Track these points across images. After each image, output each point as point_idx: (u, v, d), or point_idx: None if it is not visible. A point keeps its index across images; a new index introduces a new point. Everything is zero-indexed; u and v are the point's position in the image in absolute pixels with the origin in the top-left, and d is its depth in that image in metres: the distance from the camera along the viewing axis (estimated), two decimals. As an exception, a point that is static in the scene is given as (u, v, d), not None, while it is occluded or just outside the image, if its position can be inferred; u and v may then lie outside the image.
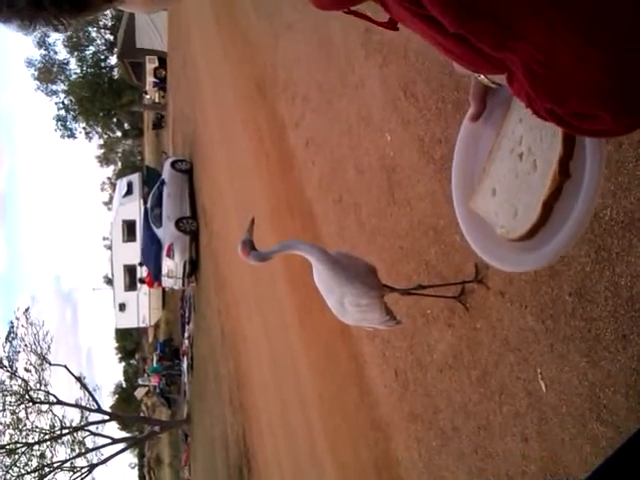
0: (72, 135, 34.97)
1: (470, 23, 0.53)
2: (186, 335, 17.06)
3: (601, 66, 0.52)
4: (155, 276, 14.98)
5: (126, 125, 41.93)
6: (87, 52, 34.06)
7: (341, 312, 2.30)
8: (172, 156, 17.48)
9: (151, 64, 23.92)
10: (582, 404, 2.18)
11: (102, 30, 35.01)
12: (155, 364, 21.22)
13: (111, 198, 40.66)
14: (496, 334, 2.67)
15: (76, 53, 33.93)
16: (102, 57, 34.08)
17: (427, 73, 3.21)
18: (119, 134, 44.11)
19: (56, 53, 34.44)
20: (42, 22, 0.61)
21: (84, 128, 35.43)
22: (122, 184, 22.02)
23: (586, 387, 2.15)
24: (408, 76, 3.40)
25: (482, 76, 0.80)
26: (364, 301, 2.22)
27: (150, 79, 24.42)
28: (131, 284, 23.42)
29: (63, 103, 33.00)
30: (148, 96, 26.01)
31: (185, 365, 17.56)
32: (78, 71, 33.20)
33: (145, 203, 15.24)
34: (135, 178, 21.62)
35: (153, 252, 14.15)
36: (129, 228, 20.81)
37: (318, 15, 4.97)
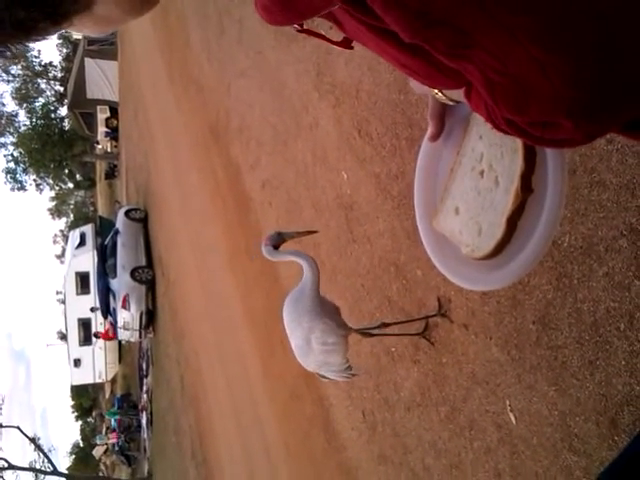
0: (22, 188, 34.23)
1: (425, 31, 0.51)
2: (144, 389, 16.54)
3: (562, 73, 0.51)
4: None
5: (78, 176, 41.34)
6: (37, 104, 33.69)
7: (304, 352, 2.24)
8: (126, 205, 17.26)
9: (102, 114, 23.82)
10: (553, 434, 2.15)
11: (52, 82, 34.77)
12: (112, 409, 20.54)
13: (64, 251, 39.78)
14: (462, 368, 2.64)
15: (25, 105, 33.52)
16: (52, 108, 33.70)
17: (380, 112, 3.25)
18: (71, 185, 43.45)
19: (4, 105, 34.06)
20: None
21: (35, 180, 34.78)
22: (75, 235, 21.57)
23: (556, 416, 2.13)
24: (361, 115, 3.43)
25: (440, 93, 0.78)
26: (331, 339, 2.17)
27: (102, 129, 24.28)
28: (86, 338, 22.74)
29: (12, 155, 32.41)
30: (100, 146, 25.80)
31: (144, 420, 16.97)
32: (28, 123, 32.76)
33: (99, 254, 14.93)
34: (88, 229, 21.23)
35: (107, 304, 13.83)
36: (82, 280, 20.30)
37: (270, 61, 5.03)
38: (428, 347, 2.90)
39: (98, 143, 25.89)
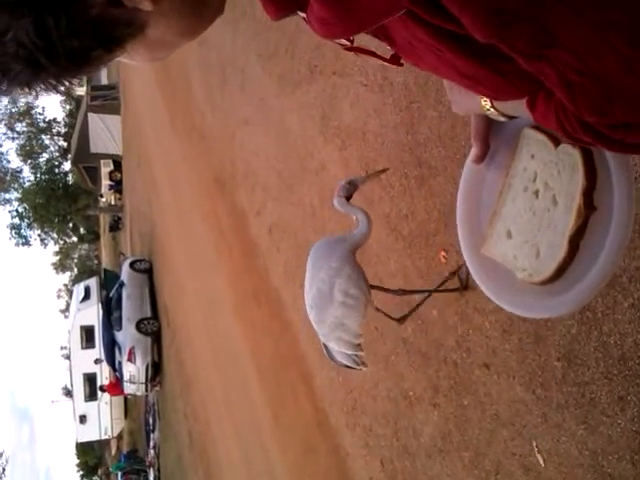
0: (27, 243, 34.43)
1: (504, 30, 0.49)
2: (151, 444, 16.18)
3: None
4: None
5: (82, 230, 41.58)
6: (41, 159, 34.17)
7: (324, 302, 2.11)
8: (130, 257, 17.26)
9: (106, 167, 24.08)
10: (585, 475, 2.06)
11: (55, 137, 35.33)
12: (118, 463, 20.02)
13: (68, 305, 39.65)
14: (485, 409, 2.56)
15: (29, 161, 34.00)
16: (56, 164, 34.17)
17: (387, 152, 3.25)
18: (75, 239, 43.64)
19: (9, 162, 34.50)
20: (41, 84, 0.56)
21: (39, 235, 34.99)
22: (79, 289, 21.50)
23: (587, 456, 2.05)
24: (369, 157, 3.44)
25: (492, 109, 0.75)
26: (353, 291, 2.08)
27: (105, 182, 24.51)
28: (91, 393, 22.40)
29: (17, 211, 32.70)
30: (104, 199, 26.00)
31: (152, 477, 16.56)
32: (32, 178, 33.17)
33: (104, 307, 14.87)
34: (92, 282, 21.17)
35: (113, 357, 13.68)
36: (87, 334, 20.12)
37: (274, 107, 5.08)
38: (448, 389, 2.82)
39: (102, 196, 26.09)
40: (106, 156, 23.32)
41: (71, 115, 35.00)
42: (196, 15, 0.61)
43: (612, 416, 1.95)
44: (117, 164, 23.70)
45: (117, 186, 24.22)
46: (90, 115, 21.61)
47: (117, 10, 0.55)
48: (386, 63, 0.73)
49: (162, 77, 11.73)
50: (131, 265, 14.60)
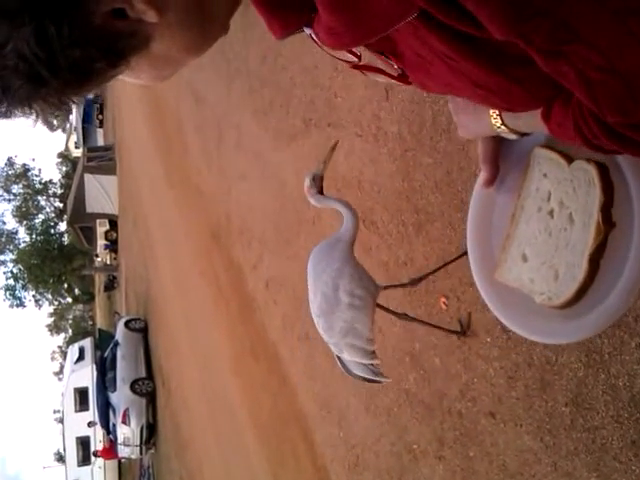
0: (21, 304, 34.18)
1: (522, 25, 0.47)
2: (146, 510, 15.64)
3: None
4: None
5: (77, 290, 41.35)
6: (36, 220, 34.32)
7: (331, 305, 2.02)
8: (125, 316, 17.12)
9: (102, 227, 24.15)
10: (600, 527, 1.98)
11: (51, 198, 35.58)
12: None
13: (62, 367, 39.04)
14: (492, 460, 2.48)
15: (25, 222, 34.12)
16: (52, 224, 34.30)
17: (384, 200, 3.26)
18: (70, 300, 43.34)
19: (4, 224, 34.64)
20: (41, 102, 0.54)
21: (34, 296, 34.77)
22: (73, 350, 21.23)
23: (602, 506, 1.97)
24: (365, 205, 3.44)
25: (503, 126, 0.73)
26: (358, 291, 1.99)
27: (101, 242, 24.54)
28: (84, 458, 21.80)
29: (12, 272, 32.60)
30: (99, 259, 25.99)
31: None
32: (27, 239, 33.22)
33: (98, 368, 14.65)
34: (87, 343, 20.94)
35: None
36: (81, 396, 19.74)
37: (270, 161, 5.13)
38: (453, 441, 2.74)
39: (97, 256, 26.09)
40: (102, 216, 23.43)
41: (67, 176, 35.37)
42: (201, 30, 0.60)
43: (625, 462, 1.88)
44: (113, 223, 23.79)
45: (113, 245, 24.24)
46: (86, 176, 21.83)
47: (121, 22, 0.53)
48: (393, 81, 0.71)
49: (158, 136, 11.91)
50: (126, 324, 14.48)
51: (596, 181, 0.71)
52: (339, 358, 2.10)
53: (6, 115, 0.55)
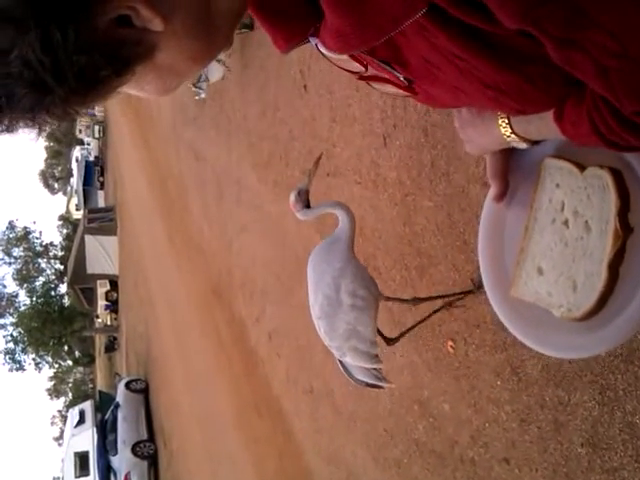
0: (21, 368, 33.72)
1: (536, 10, 0.46)
2: None
3: None
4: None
5: (77, 353, 40.89)
6: (37, 283, 34.24)
7: (333, 308, 1.93)
8: (126, 377, 16.88)
9: (102, 288, 24.10)
10: None
11: (52, 260, 35.63)
12: None
13: (62, 432, 38.19)
14: (509, 508, 2.39)
15: (26, 285, 34.05)
16: (52, 286, 34.23)
17: (385, 245, 3.26)
18: (70, 363, 42.80)
19: (5, 287, 34.57)
20: (46, 112, 0.53)
21: (34, 359, 34.36)
22: (74, 413, 20.76)
23: None
24: (367, 252, 3.43)
25: (513, 135, 0.71)
26: (360, 291, 1.90)
27: (101, 302, 24.45)
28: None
29: (12, 335, 32.30)
30: (100, 320, 25.83)
31: None
32: (27, 302, 33.06)
33: (98, 430, 14.35)
34: (87, 406, 20.52)
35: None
36: (82, 461, 19.20)
37: (271, 213, 5.15)
38: (466, 489, 2.64)
39: (98, 317, 25.94)
40: (102, 276, 23.42)
41: (68, 238, 35.54)
42: (207, 39, 0.59)
43: (648, 504, 1.81)
44: (113, 284, 23.74)
45: (113, 306, 24.13)
46: (87, 237, 21.92)
47: (126, 30, 0.53)
48: (401, 91, 0.70)
49: (159, 196, 12.02)
50: (127, 385, 14.30)
51: (610, 186, 0.70)
52: (341, 362, 2.03)
53: (9, 129, 0.53)
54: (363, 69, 0.68)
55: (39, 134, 0.56)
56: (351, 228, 1.97)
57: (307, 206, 1.98)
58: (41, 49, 0.48)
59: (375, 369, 1.99)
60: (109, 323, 25.44)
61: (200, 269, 8.11)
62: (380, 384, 1.90)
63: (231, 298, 6.51)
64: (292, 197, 1.94)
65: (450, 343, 2.75)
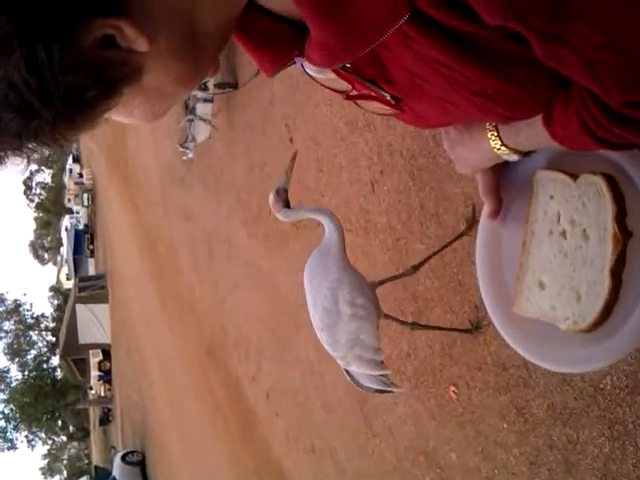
0: (13, 446, 32.77)
1: (519, 3, 0.45)
2: None
3: None
4: None
5: (71, 427, 39.85)
6: (28, 356, 33.68)
7: (333, 319, 1.82)
8: (122, 449, 16.43)
9: (95, 358, 23.75)
10: None
11: (43, 332, 35.16)
12: None
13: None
14: None
15: (17, 359, 33.48)
16: (44, 359, 33.67)
17: (380, 292, 3.21)
18: (64, 438, 41.63)
19: (-5, 363, 33.96)
20: (33, 137, 0.52)
21: (26, 436, 33.44)
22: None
23: None
24: (362, 300, 3.39)
25: (503, 147, 0.70)
26: (360, 300, 1.81)
27: (95, 373, 24.03)
28: None
29: (3, 413, 31.54)
30: (93, 391, 25.34)
31: None
32: (19, 377, 32.44)
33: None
34: (82, 483, 19.96)
35: None
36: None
37: (262, 268, 5.12)
38: (480, 542, 2.52)
39: (91, 388, 25.45)
40: (95, 346, 23.11)
41: (59, 309, 35.18)
42: (193, 61, 0.58)
43: None
44: (106, 353, 23.40)
45: (106, 376, 23.71)
46: (78, 306, 21.74)
47: (112, 51, 0.52)
48: (388, 107, 0.70)
49: (149, 259, 11.99)
50: (122, 458, 13.94)
51: (605, 192, 0.69)
52: (347, 372, 1.94)
53: None
54: (349, 87, 0.67)
55: (27, 164, 0.54)
56: (339, 235, 1.92)
57: (287, 206, 1.94)
58: (26, 69, 0.47)
59: (382, 375, 1.92)
60: (103, 394, 24.93)
61: (193, 330, 8.00)
62: (389, 389, 1.83)
63: (226, 357, 6.40)
64: (271, 197, 1.90)
65: (452, 388, 2.68)
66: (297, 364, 4.38)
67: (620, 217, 0.68)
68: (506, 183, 0.80)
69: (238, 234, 5.79)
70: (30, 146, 0.53)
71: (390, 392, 1.82)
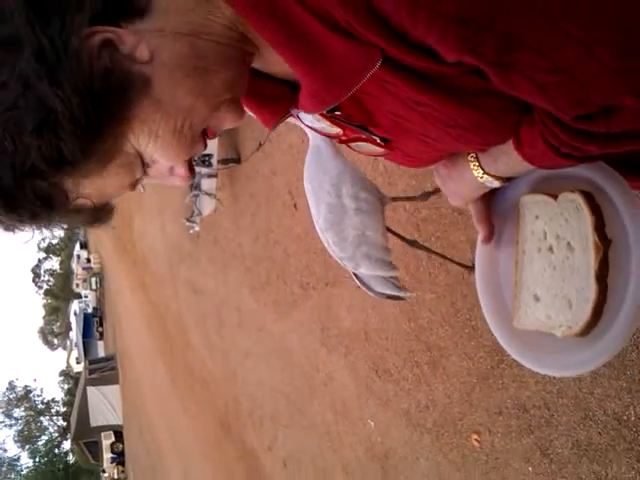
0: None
1: (471, 38, 0.51)
2: None
3: (608, 48, 0.50)
4: None
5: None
6: (39, 442, 32.91)
7: (338, 215, 1.74)
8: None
9: (107, 440, 23.25)
10: None
11: (54, 417, 34.52)
12: None
13: None
14: None
15: (28, 446, 32.71)
16: (55, 444, 32.90)
17: (393, 345, 3.21)
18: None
19: (5, 451, 33.16)
20: (64, 149, 0.56)
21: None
22: None
23: None
24: (375, 355, 3.38)
25: (486, 176, 0.77)
26: (363, 194, 1.74)
27: (107, 455, 23.48)
28: None
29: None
30: (106, 474, 24.67)
31: None
32: (30, 464, 31.60)
33: None
34: None
35: None
36: None
37: (274, 333, 5.11)
38: None
39: (104, 471, 24.78)
40: (107, 428, 22.66)
41: (70, 393, 34.69)
42: (199, 76, 0.61)
43: None
44: (118, 434, 22.92)
45: (119, 458, 23.14)
46: (89, 389, 21.49)
47: (114, 56, 0.56)
48: (379, 149, 0.77)
49: (158, 337, 11.92)
50: None
51: (583, 206, 0.76)
52: (356, 275, 1.89)
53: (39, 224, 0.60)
54: (341, 131, 0.75)
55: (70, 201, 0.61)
56: (324, 139, 1.93)
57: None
58: (35, 60, 0.53)
59: (392, 277, 1.87)
60: (116, 476, 24.27)
61: (205, 404, 7.88)
62: (400, 294, 1.78)
63: (240, 428, 6.28)
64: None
65: (475, 436, 2.64)
66: (313, 428, 4.31)
67: (599, 226, 0.75)
68: (495, 211, 0.89)
69: (247, 302, 5.81)
70: (65, 163, 0.56)
71: (401, 299, 1.78)
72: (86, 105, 0.55)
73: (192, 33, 0.59)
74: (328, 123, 0.75)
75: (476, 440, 2.62)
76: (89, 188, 0.61)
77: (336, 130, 0.76)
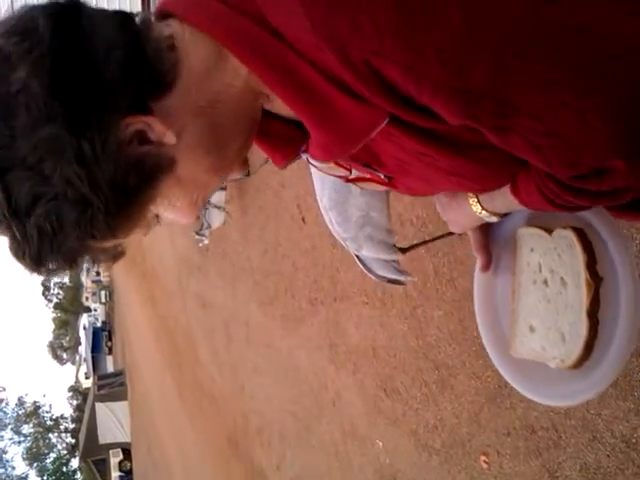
0: None
1: (471, 107, 0.54)
2: None
3: (600, 115, 0.53)
4: None
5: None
6: (47, 460, 32.83)
7: (343, 195, 1.73)
8: None
9: (115, 458, 23.12)
10: None
11: (63, 434, 34.46)
12: None
13: None
14: None
15: (36, 464, 32.63)
16: (64, 461, 32.79)
17: (401, 363, 3.18)
18: None
19: (14, 469, 33.06)
20: (90, 228, 0.60)
21: None
22: None
23: None
24: (384, 373, 3.35)
25: (484, 211, 0.81)
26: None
27: (115, 474, 23.32)
28: None
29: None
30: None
31: None
32: (38, 484, 31.54)
33: None
34: None
35: None
36: None
37: (282, 349, 5.08)
38: None
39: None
40: (115, 445, 22.57)
41: (78, 409, 34.65)
42: (217, 152, 0.66)
43: None
44: (126, 452, 22.81)
45: (127, 476, 22.99)
46: (97, 405, 21.44)
47: (145, 146, 0.61)
48: (386, 187, 0.82)
49: (167, 352, 11.91)
50: None
51: (576, 243, 0.78)
52: (358, 257, 1.85)
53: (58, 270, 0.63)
54: (348, 173, 0.81)
55: (91, 261, 0.66)
56: None
57: None
58: (77, 163, 0.56)
59: (394, 261, 1.83)
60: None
61: (214, 420, 7.84)
62: (401, 279, 1.75)
63: (248, 446, 6.23)
64: None
65: (483, 458, 2.60)
66: (321, 448, 4.26)
67: (590, 264, 0.78)
68: (494, 240, 0.92)
69: (256, 317, 5.79)
70: (91, 239, 0.61)
71: (402, 283, 1.75)
72: (120, 199, 0.60)
73: (211, 104, 0.64)
74: (335, 165, 0.81)
75: (484, 462, 2.57)
76: (110, 244, 0.68)
77: (341, 170, 0.82)
